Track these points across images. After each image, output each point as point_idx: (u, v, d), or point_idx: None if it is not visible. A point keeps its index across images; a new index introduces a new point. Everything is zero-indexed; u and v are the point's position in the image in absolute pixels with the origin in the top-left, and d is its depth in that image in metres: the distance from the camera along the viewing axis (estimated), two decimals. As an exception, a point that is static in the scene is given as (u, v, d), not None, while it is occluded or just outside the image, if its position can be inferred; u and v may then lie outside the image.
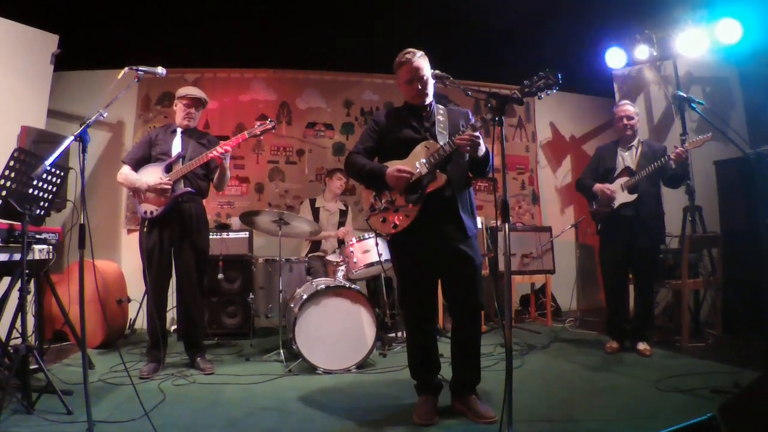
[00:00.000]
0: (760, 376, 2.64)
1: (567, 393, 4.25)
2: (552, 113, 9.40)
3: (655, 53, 7.47)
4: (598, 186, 5.66)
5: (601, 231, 5.84)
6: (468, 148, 3.60)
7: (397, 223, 3.72)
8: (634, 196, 5.46)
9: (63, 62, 7.03)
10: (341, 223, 7.01)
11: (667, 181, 5.61)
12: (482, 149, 3.66)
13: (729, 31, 6.53)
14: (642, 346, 5.42)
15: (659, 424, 2.19)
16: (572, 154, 9.52)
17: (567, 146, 9.53)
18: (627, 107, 5.71)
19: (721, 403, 2.62)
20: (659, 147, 5.75)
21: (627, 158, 5.67)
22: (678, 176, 5.49)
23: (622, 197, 5.52)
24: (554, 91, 3.34)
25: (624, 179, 5.55)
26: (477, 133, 3.58)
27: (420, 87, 3.80)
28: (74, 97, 7.61)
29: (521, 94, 3.38)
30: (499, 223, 3.10)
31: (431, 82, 3.85)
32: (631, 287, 5.80)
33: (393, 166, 3.71)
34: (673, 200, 6.67)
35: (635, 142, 5.70)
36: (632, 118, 5.66)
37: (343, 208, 7.14)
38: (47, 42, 6.76)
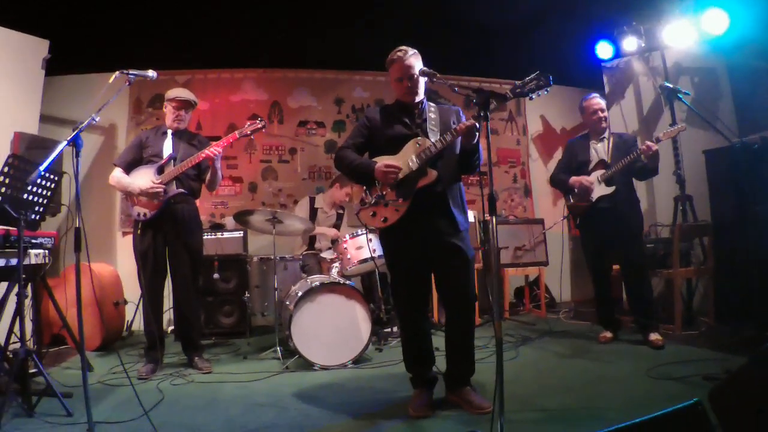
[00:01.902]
0: (746, 362, 2.68)
1: (561, 383, 4.30)
2: (542, 106, 9.44)
3: (643, 45, 7.50)
4: (574, 178, 5.68)
5: (580, 225, 5.87)
6: (466, 136, 3.64)
7: (387, 217, 3.76)
8: (612, 188, 5.50)
9: (54, 67, 7.03)
10: (337, 225, 7.02)
11: (635, 173, 5.62)
12: (474, 139, 3.67)
13: (716, 22, 6.55)
14: (653, 336, 5.34)
15: (651, 411, 2.23)
16: (563, 147, 9.48)
17: (558, 139, 9.56)
18: (597, 100, 5.74)
19: (709, 390, 2.66)
20: (630, 138, 5.84)
21: (600, 150, 5.69)
22: (647, 169, 5.49)
23: (599, 190, 5.56)
24: (545, 93, 3.36)
25: (600, 172, 5.58)
26: (476, 123, 3.60)
27: (409, 85, 3.83)
28: (66, 102, 7.62)
29: (513, 95, 3.40)
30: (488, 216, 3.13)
31: (422, 80, 3.88)
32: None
33: (382, 162, 3.74)
34: (663, 190, 6.72)
35: (606, 134, 5.73)
36: (605, 110, 5.71)
37: (341, 211, 7.16)
38: (38, 47, 6.76)
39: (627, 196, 5.59)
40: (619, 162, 5.43)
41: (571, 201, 5.80)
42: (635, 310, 5.67)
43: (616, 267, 6.15)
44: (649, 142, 5.25)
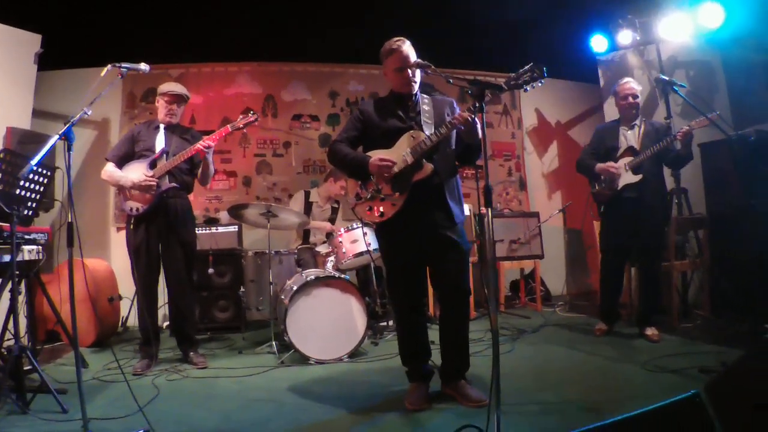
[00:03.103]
0: (743, 355, 2.68)
1: (557, 376, 4.31)
2: (537, 99, 9.40)
3: (638, 38, 7.49)
4: (601, 165, 5.49)
5: (603, 213, 5.74)
6: (463, 128, 3.63)
7: (384, 211, 3.75)
8: (639, 176, 5.32)
9: (47, 62, 6.99)
10: (332, 220, 7.00)
11: (669, 161, 5.51)
12: (477, 135, 3.66)
13: (711, 16, 6.54)
14: (650, 331, 5.32)
15: (647, 403, 2.22)
16: (558, 140, 9.56)
17: (553, 132, 9.56)
18: (631, 84, 5.54)
19: (705, 382, 2.66)
20: (663, 126, 5.68)
21: (630, 137, 5.52)
22: (682, 157, 5.35)
23: (627, 178, 5.37)
24: (540, 84, 3.35)
25: (628, 159, 5.39)
26: (474, 116, 3.59)
27: (411, 74, 3.82)
28: (59, 97, 7.57)
29: (507, 87, 3.39)
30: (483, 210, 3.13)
31: (418, 71, 3.87)
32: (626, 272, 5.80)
33: (376, 156, 3.74)
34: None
35: (638, 121, 5.56)
36: (637, 96, 5.52)
37: (335, 205, 7.14)
38: (30, 42, 6.71)
39: (655, 186, 5.44)
40: (648, 149, 5.27)
41: (596, 188, 5.62)
42: (643, 303, 5.62)
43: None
44: (685, 128, 5.14)
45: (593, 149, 5.76)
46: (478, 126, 3.60)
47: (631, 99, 5.49)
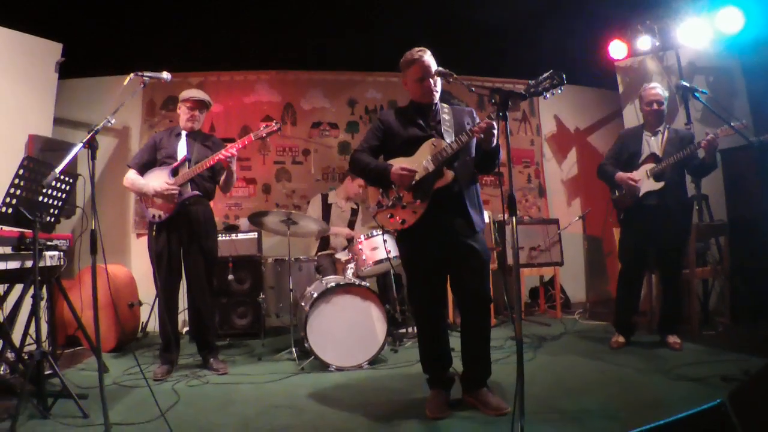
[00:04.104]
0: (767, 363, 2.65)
1: (578, 384, 4.27)
2: (556, 106, 9.39)
3: (657, 44, 7.47)
4: (621, 175, 5.39)
5: (623, 220, 5.63)
6: (482, 135, 3.62)
7: (405, 219, 3.76)
8: (661, 184, 5.22)
9: (67, 70, 7.06)
10: (351, 222, 7.03)
11: (693, 170, 5.41)
12: (494, 141, 3.67)
13: (731, 21, 6.51)
14: (672, 339, 5.25)
15: (669, 412, 2.21)
16: (577, 147, 9.52)
17: (572, 139, 9.53)
18: (657, 90, 5.42)
19: (729, 391, 2.63)
20: (687, 133, 5.57)
21: (653, 144, 5.41)
22: (706, 165, 5.24)
23: (648, 185, 5.28)
24: (560, 91, 3.33)
25: (650, 166, 5.30)
26: (494, 123, 3.59)
27: (432, 84, 3.83)
28: (80, 105, 7.66)
29: (527, 95, 3.38)
30: (506, 216, 3.12)
31: (438, 80, 3.88)
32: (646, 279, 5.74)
33: (397, 165, 3.74)
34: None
35: (661, 127, 5.45)
36: (662, 103, 5.40)
37: (355, 207, 7.16)
38: (51, 50, 6.78)
39: (677, 194, 5.33)
40: (671, 156, 5.19)
41: (616, 195, 5.53)
42: (664, 311, 5.55)
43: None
44: (710, 136, 5.02)
45: (615, 154, 5.67)
46: (496, 134, 3.63)
47: (656, 105, 5.39)
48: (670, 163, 5.20)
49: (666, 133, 5.43)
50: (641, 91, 5.59)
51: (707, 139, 5.04)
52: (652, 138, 5.46)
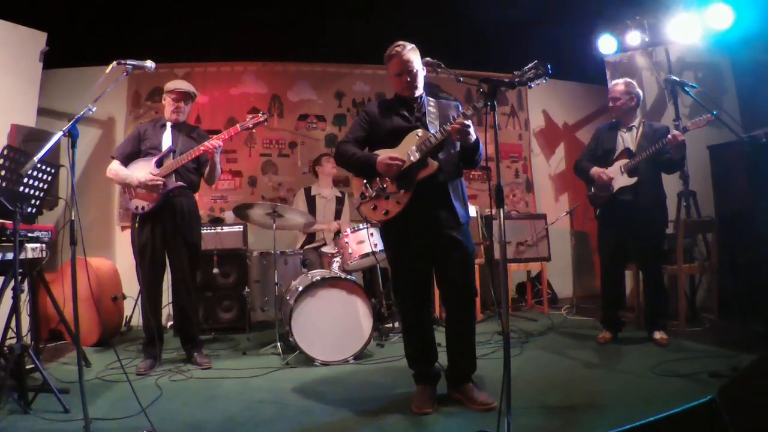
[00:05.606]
0: (757, 359, 2.63)
1: (565, 380, 4.26)
2: (545, 101, 9.39)
3: (646, 39, 7.44)
4: (594, 170, 5.42)
5: (599, 216, 5.62)
6: (458, 135, 3.61)
7: (389, 209, 3.73)
8: (634, 179, 5.23)
9: (52, 60, 6.98)
10: (338, 211, 7.00)
11: (662, 165, 5.37)
12: (472, 137, 3.67)
13: (721, 17, 6.49)
14: (658, 335, 5.25)
15: (657, 408, 2.19)
16: (565, 142, 9.52)
17: (560, 134, 9.53)
18: (618, 87, 5.44)
19: (719, 387, 2.61)
20: (661, 127, 5.50)
21: (627, 139, 5.42)
22: (673, 161, 5.25)
23: (621, 180, 5.29)
24: (544, 81, 3.35)
25: (623, 161, 5.32)
26: (468, 122, 3.58)
27: (409, 80, 3.81)
28: (64, 95, 7.57)
29: (511, 84, 3.37)
30: (493, 211, 3.10)
31: (421, 75, 3.86)
32: (629, 274, 5.73)
33: (384, 154, 3.72)
34: (667, 186, 6.67)
35: (636, 122, 5.45)
36: (618, 99, 5.40)
37: (340, 195, 7.14)
38: (35, 40, 6.69)
39: (651, 189, 5.32)
40: (643, 152, 5.19)
41: (592, 191, 5.56)
42: (648, 307, 5.55)
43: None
44: (675, 132, 5.05)
45: (591, 150, 5.70)
46: (472, 129, 3.64)
47: (619, 102, 5.41)
48: (642, 159, 5.20)
49: (641, 128, 5.43)
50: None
51: (672, 134, 5.05)
52: (627, 133, 5.47)
